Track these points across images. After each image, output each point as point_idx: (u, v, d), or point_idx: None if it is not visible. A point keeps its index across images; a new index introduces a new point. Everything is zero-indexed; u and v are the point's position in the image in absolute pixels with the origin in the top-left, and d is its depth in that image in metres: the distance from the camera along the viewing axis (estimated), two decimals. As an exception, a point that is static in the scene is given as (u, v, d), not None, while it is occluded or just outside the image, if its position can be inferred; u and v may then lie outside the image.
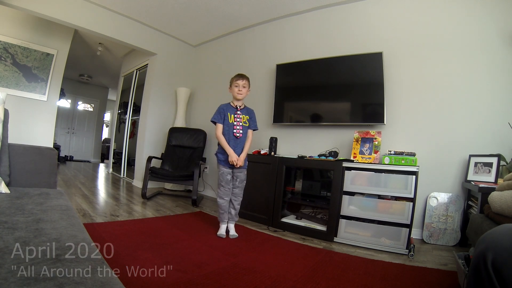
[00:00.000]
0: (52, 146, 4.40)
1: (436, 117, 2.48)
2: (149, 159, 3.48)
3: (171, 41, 4.60)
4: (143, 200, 3.32)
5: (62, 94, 7.17)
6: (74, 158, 7.75)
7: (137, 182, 4.37)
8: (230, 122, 2.20)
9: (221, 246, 2.01)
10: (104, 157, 8.27)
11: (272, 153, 2.93)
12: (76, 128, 8.00)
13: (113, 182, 4.69)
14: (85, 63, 6.41)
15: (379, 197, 2.23)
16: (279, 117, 3.31)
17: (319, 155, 2.70)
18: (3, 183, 1.21)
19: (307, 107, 3.18)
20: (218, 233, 2.24)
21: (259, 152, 2.99)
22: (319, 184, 2.74)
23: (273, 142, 2.96)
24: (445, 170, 2.42)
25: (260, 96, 3.60)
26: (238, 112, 2.23)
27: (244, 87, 2.21)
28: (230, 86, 2.27)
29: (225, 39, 4.38)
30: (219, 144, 2.27)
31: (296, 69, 3.23)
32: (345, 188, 2.33)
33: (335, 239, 2.33)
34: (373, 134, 2.48)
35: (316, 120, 3.06)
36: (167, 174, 3.51)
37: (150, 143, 4.45)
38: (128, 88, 5.39)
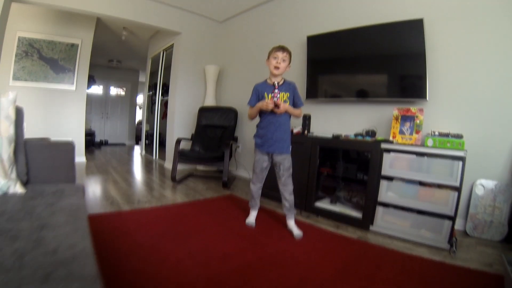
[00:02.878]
0: (83, 133, 4.58)
1: (487, 93, 2.09)
2: (178, 141, 3.45)
3: (196, 19, 4.43)
4: (173, 184, 3.34)
5: (93, 81, 7.40)
6: (109, 142, 8.09)
7: (169, 164, 4.40)
8: None
9: (249, 234, 1.93)
10: (138, 139, 8.56)
11: (306, 132, 2.74)
12: (110, 113, 8.28)
13: (145, 165, 4.82)
14: (112, 48, 6.47)
15: (421, 183, 1.99)
16: (313, 92, 3.06)
17: (356, 135, 2.46)
18: (18, 183, 1.19)
19: (341, 81, 2.90)
20: (247, 220, 2.15)
21: (291, 130, 2.81)
22: (355, 166, 2.50)
23: (306, 119, 2.76)
24: (495, 155, 2.07)
25: (291, 70, 3.36)
26: (276, 91, 1.94)
27: (284, 60, 1.92)
28: (268, 58, 1.98)
29: (252, 12, 4.13)
30: (257, 126, 2.07)
31: (328, 40, 2.93)
32: (384, 172, 2.10)
33: (371, 228, 2.15)
34: (414, 111, 2.19)
35: (352, 95, 2.78)
36: (197, 157, 3.48)
37: (180, 124, 4.45)
38: (157, 70, 5.39)
